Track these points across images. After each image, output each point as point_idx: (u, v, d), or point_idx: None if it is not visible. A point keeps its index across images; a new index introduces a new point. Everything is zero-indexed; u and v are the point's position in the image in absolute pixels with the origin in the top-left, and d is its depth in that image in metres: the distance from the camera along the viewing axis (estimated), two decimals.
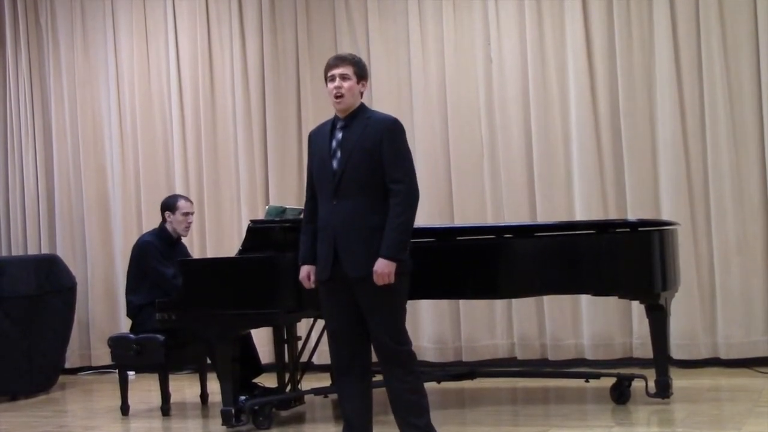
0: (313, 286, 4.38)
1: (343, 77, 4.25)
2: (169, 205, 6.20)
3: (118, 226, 7.95)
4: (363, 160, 4.18)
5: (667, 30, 6.60)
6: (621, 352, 6.73)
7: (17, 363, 6.85)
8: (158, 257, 6.01)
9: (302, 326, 6.09)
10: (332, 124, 4.34)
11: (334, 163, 4.23)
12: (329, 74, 4.29)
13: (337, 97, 4.25)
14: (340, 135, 4.27)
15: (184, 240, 6.39)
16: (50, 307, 7.06)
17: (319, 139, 4.37)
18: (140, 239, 6.25)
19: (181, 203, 6.19)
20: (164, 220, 6.20)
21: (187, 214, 6.17)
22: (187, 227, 6.21)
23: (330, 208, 4.23)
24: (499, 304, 6.98)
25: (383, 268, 4.10)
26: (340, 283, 4.21)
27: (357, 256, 4.15)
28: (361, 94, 4.34)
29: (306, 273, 4.40)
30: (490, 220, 6.95)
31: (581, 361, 6.74)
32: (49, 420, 6.10)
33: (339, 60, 4.32)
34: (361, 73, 4.32)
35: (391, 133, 4.23)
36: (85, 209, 8.05)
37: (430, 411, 4.25)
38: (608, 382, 5.58)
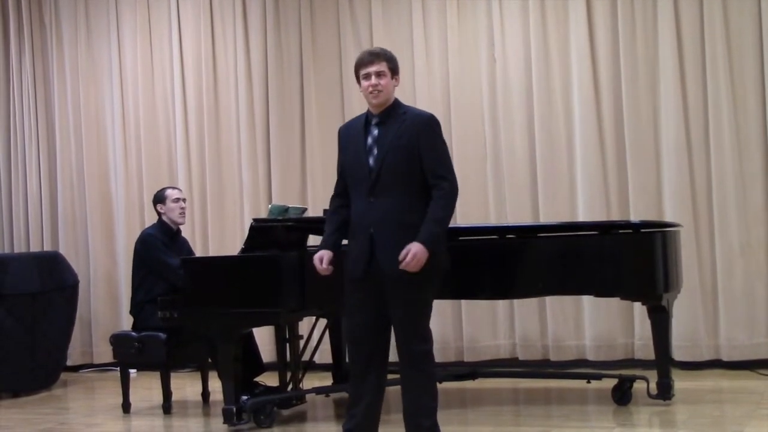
0: (325, 269, 4.26)
1: (380, 74, 4.17)
2: (158, 198, 6.24)
3: (121, 224, 7.96)
4: (401, 157, 4.12)
5: (671, 32, 6.60)
6: (623, 353, 6.72)
7: (19, 360, 6.86)
8: (161, 248, 6.02)
9: (304, 325, 6.09)
10: (366, 120, 4.26)
11: (371, 160, 4.16)
12: (364, 72, 4.20)
13: (373, 94, 4.17)
14: (375, 131, 4.20)
15: (185, 234, 6.42)
16: (52, 304, 7.07)
17: (351, 135, 4.29)
18: (142, 233, 6.27)
19: (168, 191, 6.24)
20: (159, 215, 6.22)
21: (177, 199, 6.20)
22: (182, 213, 6.22)
23: (366, 206, 4.15)
24: (501, 304, 6.97)
25: (418, 252, 3.99)
26: (373, 281, 4.14)
27: (395, 254, 4.05)
28: (395, 88, 4.27)
29: (320, 255, 4.27)
30: (492, 221, 6.95)
31: (583, 362, 6.74)
32: (51, 417, 6.11)
33: (374, 56, 4.21)
34: (395, 68, 4.25)
35: (429, 128, 4.18)
36: (87, 207, 8.05)
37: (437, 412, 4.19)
38: (610, 383, 5.57)
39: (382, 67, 4.19)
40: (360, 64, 4.24)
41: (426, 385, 4.16)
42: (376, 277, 4.13)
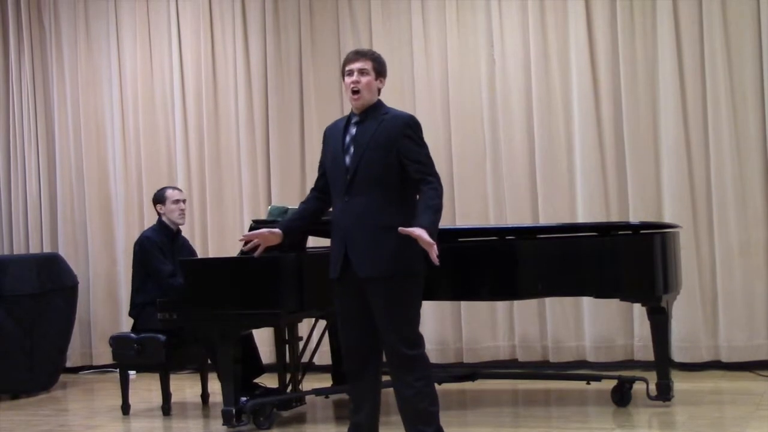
0: (258, 233, 4.28)
1: (362, 72, 4.14)
2: (158, 198, 6.23)
3: (120, 226, 7.96)
4: (377, 157, 4.06)
5: (670, 32, 6.60)
6: (622, 354, 6.72)
7: (19, 361, 6.86)
8: (156, 253, 6.00)
9: (304, 327, 6.09)
10: (347, 119, 4.24)
11: (347, 159, 4.11)
12: (347, 68, 4.17)
13: (354, 92, 4.15)
14: (354, 130, 4.16)
15: (185, 235, 6.42)
16: (52, 305, 7.06)
17: (333, 135, 4.26)
18: (140, 235, 6.27)
19: (169, 192, 6.21)
20: (159, 215, 6.22)
21: (177, 201, 6.18)
22: (182, 214, 6.21)
23: (342, 206, 4.11)
24: (500, 305, 6.97)
25: (422, 235, 3.88)
26: (351, 283, 4.09)
27: (367, 256, 4.02)
28: (379, 90, 4.22)
29: (262, 231, 4.30)
30: (492, 222, 6.95)
31: (582, 364, 6.74)
32: (50, 419, 6.11)
33: (358, 54, 4.20)
34: (380, 69, 4.20)
35: (411, 128, 4.12)
36: (87, 209, 8.05)
37: (439, 416, 4.12)
38: (609, 384, 5.57)
39: (365, 65, 4.16)
40: (345, 61, 4.22)
41: (422, 389, 4.04)
42: (354, 278, 4.08)
